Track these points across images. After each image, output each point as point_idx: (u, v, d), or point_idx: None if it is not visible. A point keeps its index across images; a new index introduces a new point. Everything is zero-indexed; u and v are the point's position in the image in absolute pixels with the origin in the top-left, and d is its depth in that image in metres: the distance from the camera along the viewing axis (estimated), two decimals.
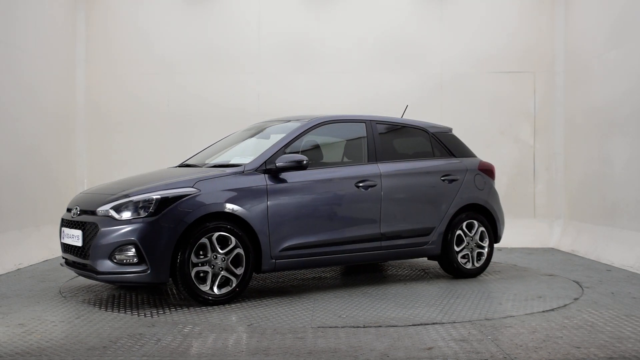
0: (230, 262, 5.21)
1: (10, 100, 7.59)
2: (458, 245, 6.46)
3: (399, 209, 6.14)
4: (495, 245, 7.01)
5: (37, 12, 8.34)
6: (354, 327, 4.54)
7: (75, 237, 5.29)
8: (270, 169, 5.52)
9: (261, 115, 9.01)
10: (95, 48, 9.62)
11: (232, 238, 5.19)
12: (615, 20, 8.02)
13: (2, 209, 7.27)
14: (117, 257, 4.96)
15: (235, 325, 4.59)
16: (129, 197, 5.10)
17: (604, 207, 8.19)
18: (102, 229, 5.00)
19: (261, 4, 9.63)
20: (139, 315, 4.90)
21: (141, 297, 5.55)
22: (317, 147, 6.22)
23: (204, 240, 5.09)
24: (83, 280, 6.38)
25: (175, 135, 9.56)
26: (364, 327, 4.53)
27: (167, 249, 4.94)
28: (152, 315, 4.89)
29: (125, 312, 5.01)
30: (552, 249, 9.12)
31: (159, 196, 5.03)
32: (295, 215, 5.57)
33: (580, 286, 6.12)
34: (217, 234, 5.13)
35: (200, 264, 5.09)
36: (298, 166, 5.52)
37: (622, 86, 7.76)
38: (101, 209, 5.14)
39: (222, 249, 5.17)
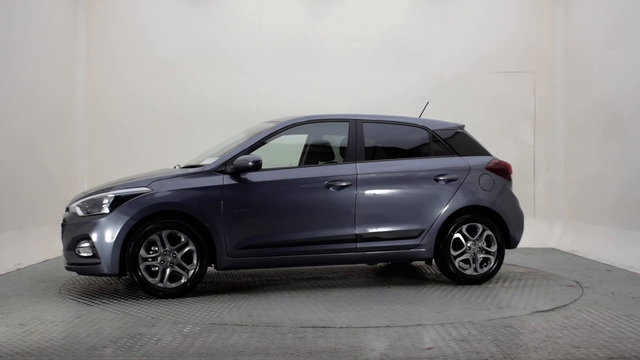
0: (184, 258, 5.48)
1: (10, 100, 7.59)
2: (457, 250, 6.12)
3: (377, 210, 5.94)
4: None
5: (37, 12, 8.34)
6: (354, 327, 4.54)
7: (60, 232, 5.88)
8: (229, 169, 5.66)
9: (261, 116, 9.01)
10: (95, 48, 9.62)
11: (183, 235, 5.46)
12: (615, 20, 8.02)
13: (2, 209, 7.27)
14: (78, 250, 5.49)
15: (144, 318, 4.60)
16: (90, 195, 5.63)
17: (604, 207, 8.19)
18: (68, 224, 5.63)
19: (261, 3, 9.63)
20: (139, 315, 4.90)
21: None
22: (293, 147, 6.28)
23: (154, 236, 5.41)
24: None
25: (175, 135, 9.56)
26: (363, 327, 4.54)
27: (116, 244, 5.36)
28: (152, 315, 4.90)
29: (125, 312, 5.01)
30: (552, 249, 9.12)
31: (113, 195, 5.48)
32: (253, 215, 5.68)
33: (580, 286, 6.12)
34: (167, 231, 5.45)
35: (151, 259, 5.43)
36: (254, 166, 5.62)
37: (622, 86, 7.76)
38: (71, 206, 5.72)
39: (174, 246, 5.47)
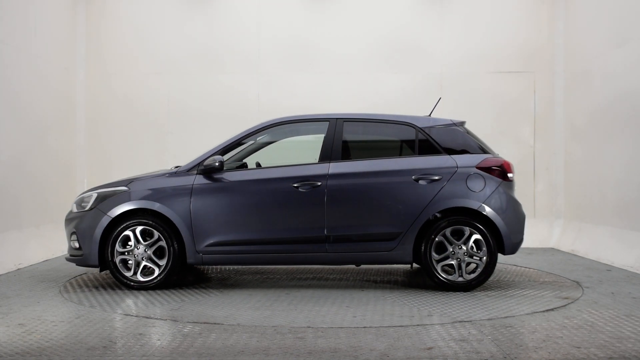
0: (156, 253, 5.86)
1: (9, 101, 7.59)
2: (440, 254, 5.81)
3: (349, 211, 5.78)
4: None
5: (37, 12, 8.34)
6: (354, 327, 4.54)
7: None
8: (199, 170, 5.94)
9: (261, 116, 9.01)
10: (95, 48, 9.63)
11: (155, 232, 5.84)
12: (615, 20, 8.02)
13: (2, 209, 7.27)
14: (71, 242, 6.03)
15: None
16: (83, 193, 6.15)
17: (604, 207, 8.19)
18: (66, 219, 6.17)
19: (261, 3, 9.63)
20: (139, 315, 4.90)
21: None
22: (269, 148, 6.37)
23: (128, 232, 5.82)
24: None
25: (175, 135, 9.56)
26: (364, 327, 4.54)
27: (95, 239, 5.83)
28: (152, 315, 4.90)
29: (125, 312, 5.01)
30: (552, 249, 9.12)
31: (96, 194, 5.98)
32: (220, 213, 5.85)
33: (580, 286, 6.12)
34: (140, 227, 5.84)
35: (126, 253, 5.85)
36: (220, 167, 5.83)
37: (622, 86, 7.76)
38: (73, 203, 6.19)
39: (147, 241, 5.85)
